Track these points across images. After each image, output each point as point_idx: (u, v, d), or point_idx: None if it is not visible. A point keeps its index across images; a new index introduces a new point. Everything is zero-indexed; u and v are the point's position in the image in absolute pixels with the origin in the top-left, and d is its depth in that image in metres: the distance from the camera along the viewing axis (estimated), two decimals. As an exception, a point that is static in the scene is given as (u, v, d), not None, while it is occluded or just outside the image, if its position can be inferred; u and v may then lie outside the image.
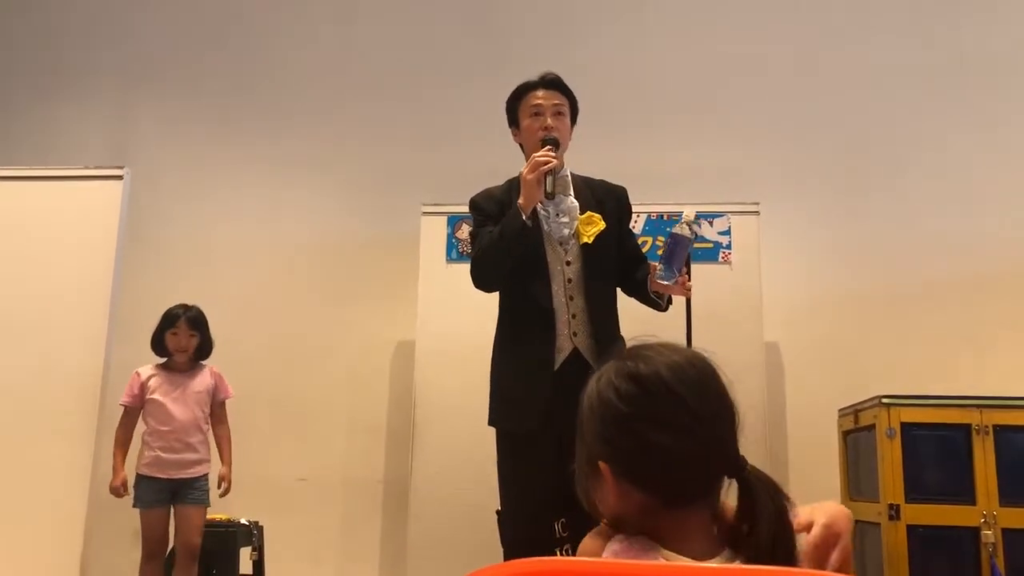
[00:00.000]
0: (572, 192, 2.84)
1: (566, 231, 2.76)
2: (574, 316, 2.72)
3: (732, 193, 4.69)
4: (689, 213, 2.62)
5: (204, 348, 3.85)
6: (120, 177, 4.24)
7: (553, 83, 2.91)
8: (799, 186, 5.03)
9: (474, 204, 2.92)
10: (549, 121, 2.84)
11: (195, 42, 5.55)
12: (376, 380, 4.96)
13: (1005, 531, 3.31)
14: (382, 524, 4.84)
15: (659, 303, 2.77)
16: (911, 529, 3.36)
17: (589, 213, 2.79)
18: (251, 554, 4.16)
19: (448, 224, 4.66)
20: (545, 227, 2.76)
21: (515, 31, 5.39)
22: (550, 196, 2.69)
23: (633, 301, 2.91)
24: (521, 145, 2.97)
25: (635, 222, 4.59)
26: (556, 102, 2.89)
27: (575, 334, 2.71)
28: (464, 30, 5.42)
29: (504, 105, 3.03)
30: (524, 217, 2.65)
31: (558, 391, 2.60)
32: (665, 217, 4.60)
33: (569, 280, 2.76)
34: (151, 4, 5.63)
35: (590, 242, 2.76)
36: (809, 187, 5.04)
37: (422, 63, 5.38)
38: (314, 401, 4.98)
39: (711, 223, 4.56)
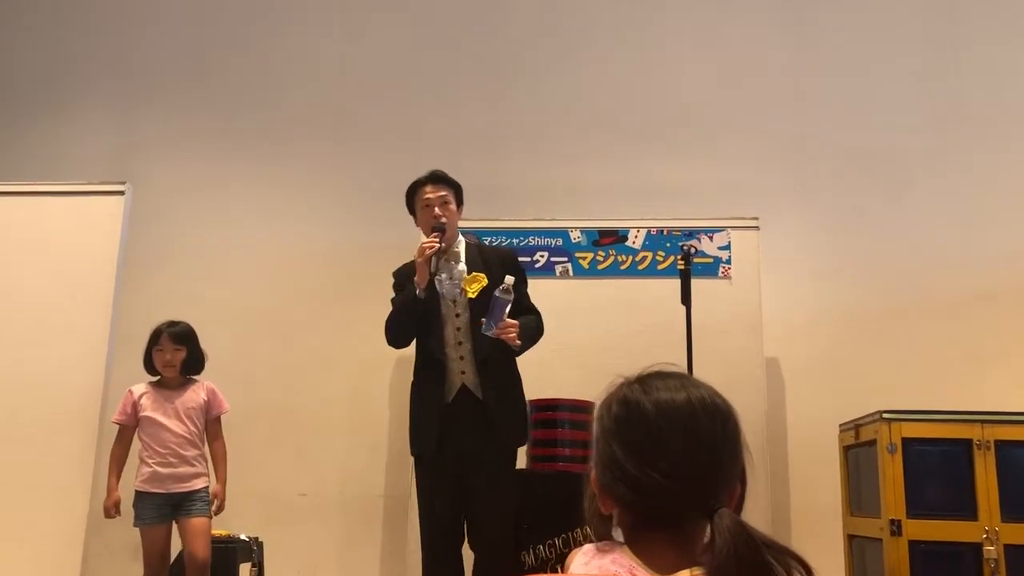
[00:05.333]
0: (463, 260, 3.43)
1: (456, 291, 3.32)
2: (462, 358, 3.35)
3: (732, 208, 4.70)
4: (508, 280, 3.20)
5: (192, 362, 3.80)
6: (122, 192, 4.27)
7: (438, 178, 3.48)
8: (799, 201, 5.04)
9: (393, 276, 3.58)
10: (437, 211, 3.41)
11: (196, 58, 5.57)
12: (376, 395, 4.96)
13: (1007, 547, 3.30)
14: (382, 540, 4.82)
15: (508, 346, 3.31)
16: (913, 545, 3.34)
17: (473, 273, 3.36)
18: (251, 570, 4.15)
19: (449, 239, 4.66)
20: (440, 290, 3.32)
21: (517, 47, 5.42)
22: (435, 273, 3.29)
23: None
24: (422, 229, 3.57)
25: (635, 238, 4.61)
26: (442, 194, 3.45)
27: (463, 372, 3.34)
28: (466, 44, 5.45)
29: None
30: (418, 291, 3.30)
31: (451, 420, 3.30)
32: (665, 232, 4.61)
33: (458, 329, 3.37)
34: (152, 22, 5.66)
35: (474, 296, 3.33)
36: (809, 202, 5.05)
37: (422, 76, 5.41)
38: (314, 416, 4.98)
39: (711, 238, 4.57)
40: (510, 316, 3.26)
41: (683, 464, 1.09)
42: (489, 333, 3.22)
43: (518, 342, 3.27)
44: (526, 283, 3.51)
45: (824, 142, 5.13)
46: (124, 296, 4.24)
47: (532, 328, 3.41)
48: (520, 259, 4.28)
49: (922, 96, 5.14)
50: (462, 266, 3.39)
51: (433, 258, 3.31)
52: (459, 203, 3.52)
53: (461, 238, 3.54)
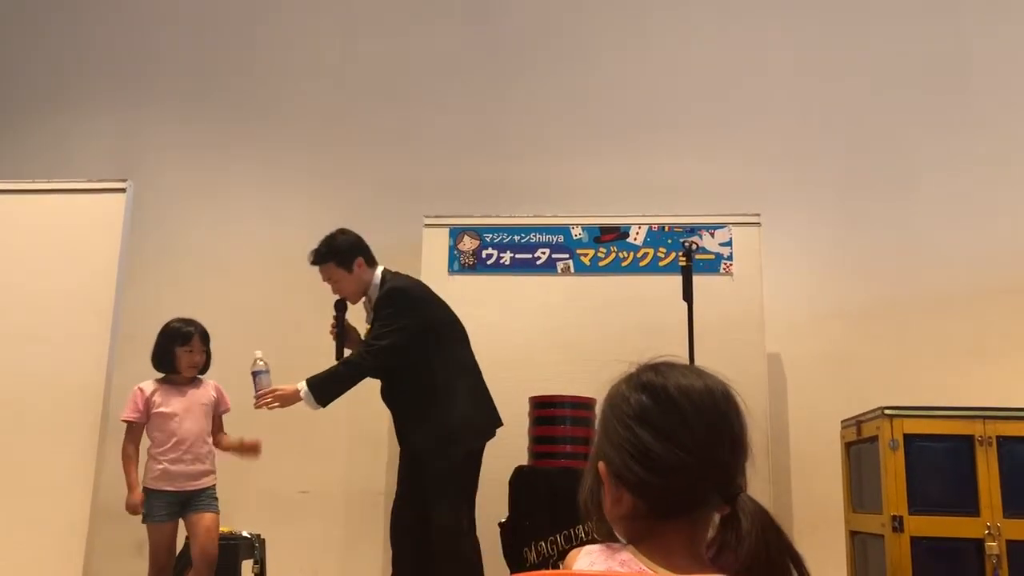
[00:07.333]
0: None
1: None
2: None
3: (733, 204, 4.70)
4: (256, 353, 3.61)
5: (208, 363, 3.86)
6: (123, 190, 4.26)
7: (315, 259, 3.68)
8: (800, 197, 5.04)
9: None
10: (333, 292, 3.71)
11: (199, 59, 5.57)
12: (378, 392, 4.94)
13: (1009, 543, 3.29)
14: (383, 536, 4.81)
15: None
16: (915, 541, 3.34)
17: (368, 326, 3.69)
18: (253, 567, 4.15)
19: (450, 236, 4.67)
20: None
21: (518, 46, 5.42)
22: (339, 356, 3.71)
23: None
24: None
25: (637, 234, 4.61)
26: (326, 277, 3.69)
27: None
28: (467, 44, 5.44)
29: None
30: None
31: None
32: (666, 229, 4.61)
33: None
34: (156, 23, 5.66)
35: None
36: (810, 198, 5.04)
37: (424, 77, 5.41)
38: (315, 413, 4.95)
39: (712, 234, 4.57)
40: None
41: (706, 444, 1.09)
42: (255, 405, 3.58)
43: (274, 407, 3.55)
44: (390, 318, 3.58)
45: (826, 137, 5.12)
46: (125, 294, 4.24)
47: (334, 376, 3.64)
48: (522, 256, 4.31)
49: (925, 91, 5.13)
50: (367, 325, 3.70)
51: (345, 320, 3.75)
52: (346, 261, 3.65)
53: (375, 283, 3.70)
